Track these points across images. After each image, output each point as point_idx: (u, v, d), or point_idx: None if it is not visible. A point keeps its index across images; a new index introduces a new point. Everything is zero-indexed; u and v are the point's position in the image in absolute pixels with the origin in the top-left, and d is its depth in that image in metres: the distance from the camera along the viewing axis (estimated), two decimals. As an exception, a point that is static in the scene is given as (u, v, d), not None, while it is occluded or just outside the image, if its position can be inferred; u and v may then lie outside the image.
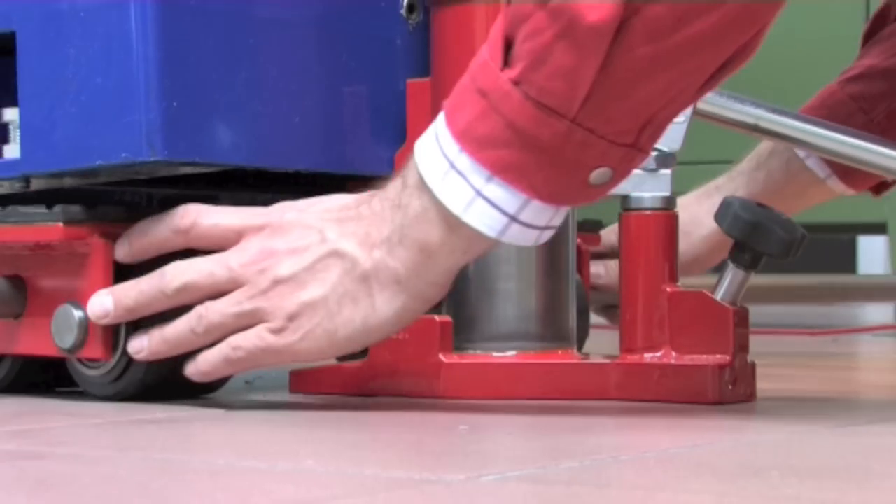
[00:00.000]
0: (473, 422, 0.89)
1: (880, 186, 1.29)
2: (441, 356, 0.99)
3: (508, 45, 0.81)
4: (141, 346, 0.92)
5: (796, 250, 0.99)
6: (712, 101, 1.02)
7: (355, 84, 1.03)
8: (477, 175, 0.82)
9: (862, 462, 0.72)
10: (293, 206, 0.91)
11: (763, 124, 1.05)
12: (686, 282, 1.03)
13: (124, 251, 0.93)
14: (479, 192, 0.82)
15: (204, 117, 0.94)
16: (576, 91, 0.79)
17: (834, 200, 1.93)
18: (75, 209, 0.95)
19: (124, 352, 0.94)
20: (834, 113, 1.21)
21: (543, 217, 0.84)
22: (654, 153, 1.00)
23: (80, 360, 0.97)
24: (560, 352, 1.03)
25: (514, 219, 0.82)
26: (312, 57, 1.00)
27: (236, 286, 0.89)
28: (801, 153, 1.23)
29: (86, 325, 0.94)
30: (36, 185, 1.01)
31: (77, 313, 0.94)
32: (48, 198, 1.02)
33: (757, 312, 1.06)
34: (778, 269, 1.26)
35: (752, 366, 1.00)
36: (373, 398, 0.99)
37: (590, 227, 1.11)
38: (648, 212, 1.00)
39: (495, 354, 1.01)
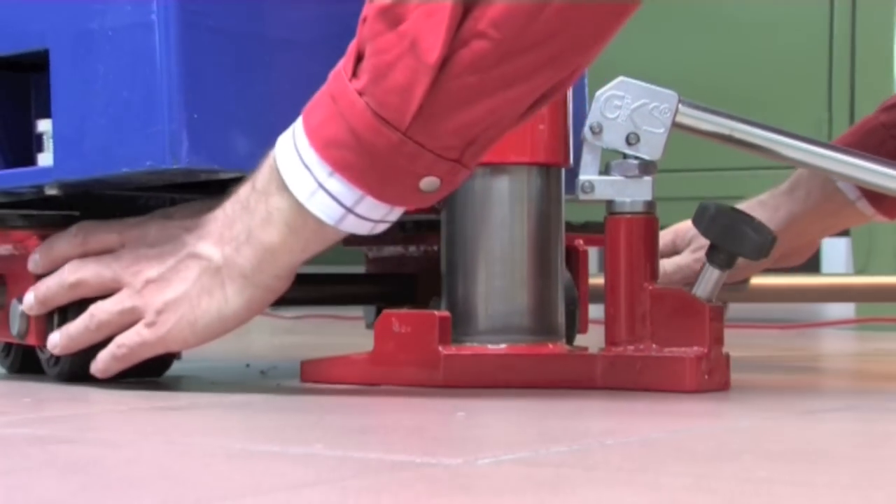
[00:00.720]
0: (470, 408, 0.88)
1: None
2: (440, 348, 0.98)
3: (359, 58, 0.84)
4: (54, 341, 0.96)
5: (767, 251, 0.99)
6: (690, 114, 1.02)
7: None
8: (321, 169, 0.85)
9: (829, 446, 0.72)
10: (163, 213, 0.97)
11: (737, 135, 1.04)
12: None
13: (34, 264, 0.98)
14: (321, 185, 0.86)
15: (222, 128, 0.94)
16: (408, 107, 0.82)
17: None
18: (13, 216, 1.00)
19: None
20: (867, 139, 1.20)
21: (377, 212, 0.87)
22: (636, 161, 1.00)
23: (38, 347, 1.02)
24: (549, 344, 1.02)
25: (350, 210, 0.86)
26: (317, 73, 0.99)
27: (119, 287, 0.94)
28: (848, 193, 1.22)
29: (27, 317, 0.99)
30: (68, 190, 1.01)
31: (20, 306, 0.99)
32: (77, 202, 1.02)
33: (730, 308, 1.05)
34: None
35: (727, 357, 0.99)
36: (377, 387, 0.98)
37: (595, 229, 1.10)
38: (631, 216, 1.00)
39: (490, 346, 1.00)
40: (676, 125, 1.01)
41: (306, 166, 0.86)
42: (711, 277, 0.99)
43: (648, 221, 1.00)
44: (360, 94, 0.83)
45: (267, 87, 0.97)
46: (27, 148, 1.02)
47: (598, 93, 1.01)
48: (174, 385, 1.03)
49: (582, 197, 1.00)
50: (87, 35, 0.94)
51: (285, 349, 1.56)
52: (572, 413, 0.86)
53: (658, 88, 1.01)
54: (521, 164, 1.02)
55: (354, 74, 0.84)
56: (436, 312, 0.99)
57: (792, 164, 1.10)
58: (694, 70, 2.12)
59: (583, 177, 1.00)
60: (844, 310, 2.41)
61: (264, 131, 0.96)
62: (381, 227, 0.89)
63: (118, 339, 0.94)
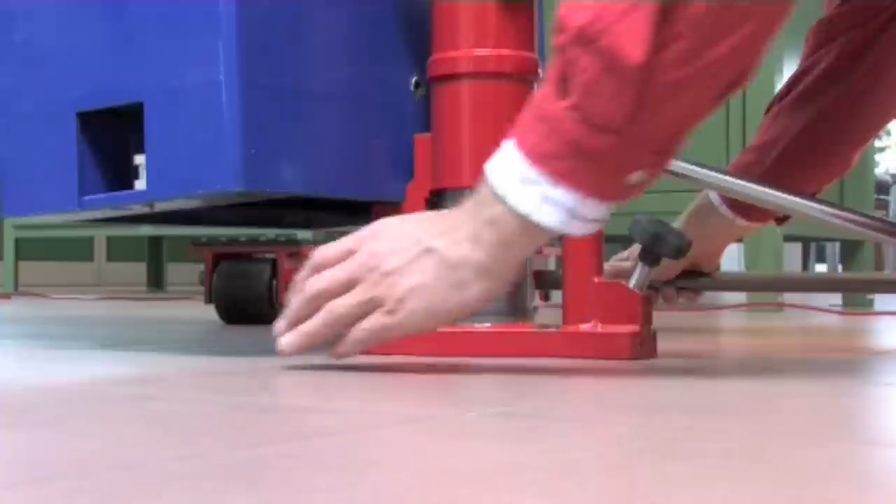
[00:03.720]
0: (461, 373, 0.87)
1: (781, 219, 1.24)
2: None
3: (563, 80, 0.75)
4: (289, 341, 0.84)
5: (684, 252, 0.99)
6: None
7: (379, 137, 1.03)
8: (544, 183, 0.76)
9: (741, 402, 0.70)
10: (389, 220, 0.85)
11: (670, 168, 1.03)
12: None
13: (296, 308, 0.86)
14: (546, 197, 0.76)
15: (272, 161, 0.93)
16: (621, 110, 0.73)
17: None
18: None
19: None
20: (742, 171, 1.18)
21: (595, 212, 0.77)
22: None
23: None
24: (521, 323, 1.01)
25: (573, 214, 0.76)
26: (349, 118, 1.00)
27: (354, 285, 0.82)
28: (714, 202, 1.21)
29: None
30: (158, 207, 1.00)
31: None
32: (170, 217, 1.02)
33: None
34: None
35: (655, 333, 0.98)
36: (389, 356, 0.97)
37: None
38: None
39: (476, 325, 0.99)
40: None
41: (531, 183, 0.76)
42: (642, 273, 0.99)
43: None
44: (573, 109, 0.74)
45: (308, 130, 0.96)
46: (126, 177, 1.01)
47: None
48: (236, 354, 1.01)
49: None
50: (172, 91, 0.93)
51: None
52: (539, 376, 0.85)
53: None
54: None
55: (564, 95, 0.75)
56: (435, 300, 0.98)
57: (700, 187, 1.10)
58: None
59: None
60: (735, 297, 2.41)
61: (305, 161, 0.96)
62: (595, 227, 0.78)
63: (361, 325, 0.82)
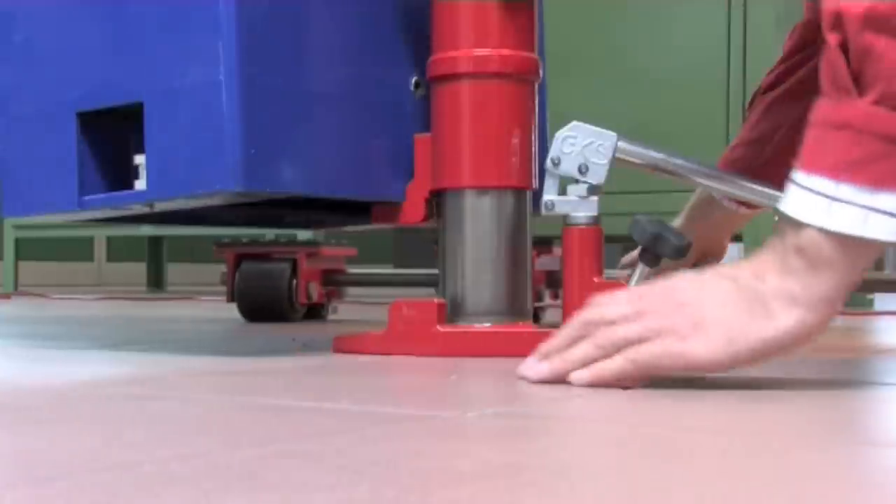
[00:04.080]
0: (461, 373, 0.87)
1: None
2: (438, 327, 0.97)
3: (852, 80, 0.68)
4: (580, 377, 0.74)
5: (684, 252, 0.98)
6: (626, 149, 1.00)
7: (379, 137, 1.03)
8: (863, 195, 0.67)
9: (741, 402, 0.69)
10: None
11: (661, 165, 1.03)
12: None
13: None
14: (870, 207, 0.67)
15: (272, 161, 0.93)
16: None
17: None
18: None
19: None
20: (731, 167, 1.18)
21: None
22: (585, 185, 0.98)
23: None
24: (520, 323, 1.01)
25: None
26: (349, 118, 1.00)
27: (638, 320, 0.73)
28: (716, 195, 1.21)
29: None
30: (158, 207, 1.01)
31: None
32: (169, 217, 1.02)
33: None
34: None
35: (655, 333, 0.98)
36: (391, 356, 0.97)
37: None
38: (582, 227, 0.99)
39: (476, 325, 1.00)
40: (616, 158, 1.00)
41: (845, 202, 0.68)
42: (642, 273, 0.99)
43: (596, 231, 1.00)
44: (879, 102, 0.67)
45: (308, 130, 0.96)
46: (126, 177, 1.01)
47: (557, 134, 1.00)
48: (237, 354, 1.01)
49: (545, 213, 1.00)
50: (172, 91, 0.93)
51: (321, 327, 1.54)
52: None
53: (602, 130, 1.00)
54: (500, 188, 1.01)
55: (861, 93, 0.68)
56: (435, 300, 0.98)
57: (698, 185, 1.10)
58: (627, 116, 2.12)
59: (546, 197, 0.99)
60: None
61: (305, 162, 0.96)
62: None
63: (642, 347, 0.72)
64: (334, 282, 1.69)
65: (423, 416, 0.62)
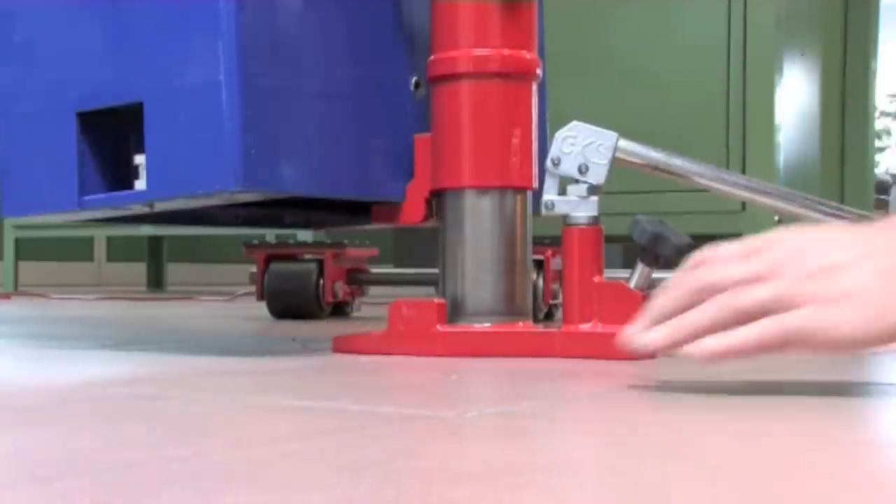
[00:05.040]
0: (461, 373, 0.87)
1: None
2: (438, 327, 0.97)
3: None
4: (651, 338, 0.68)
5: (685, 253, 0.98)
6: (626, 149, 1.00)
7: (379, 137, 1.03)
8: None
9: (741, 402, 0.70)
10: (797, 232, 0.67)
11: (661, 165, 1.03)
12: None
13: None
14: None
15: (273, 160, 0.93)
16: None
17: (704, 217, 1.91)
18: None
19: None
20: None
21: None
22: (585, 185, 0.98)
23: None
24: (520, 323, 1.01)
25: None
26: (349, 118, 1.00)
27: (764, 281, 0.64)
28: None
29: None
30: (158, 207, 1.00)
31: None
32: (169, 217, 1.02)
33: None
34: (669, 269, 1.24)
35: (655, 333, 0.98)
36: (392, 356, 0.97)
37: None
38: (582, 227, 0.99)
39: (476, 325, 0.99)
40: (616, 158, 1.00)
41: None
42: (642, 273, 0.99)
43: (595, 231, 0.99)
44: None
45: (308, 130, 0.96)
46: (126, 177, 1.01)
47: (557, 133, 1.00)
48: (238, 354, 1.01)
49: (545, 213, 1.00)
50: (172, 91, 0.93)
51: (321, 328, 1.54)
52: (538, 376, 0.85)
53: (602, 130, 1.00)
54: (500, 188, 1.01)
55: None
56: (434, 300, 0.98)
57: (700, 186, 1.09)
58: (628, 116, 2.12)
59: (546, 197, 0.99)
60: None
61: (305, 162, 0.96)
62: None
63: (776, 320, 0.63)
64: (358, 281, 1.76)
65: (423, 416, 0.62)
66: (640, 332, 0.68)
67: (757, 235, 0.67)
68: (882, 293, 0.62)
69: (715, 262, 0.66)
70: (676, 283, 0.67)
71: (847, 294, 0.62)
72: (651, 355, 0.67)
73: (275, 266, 1.73)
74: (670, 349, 0.66)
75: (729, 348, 0.64)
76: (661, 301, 0.67)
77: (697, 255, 0.68)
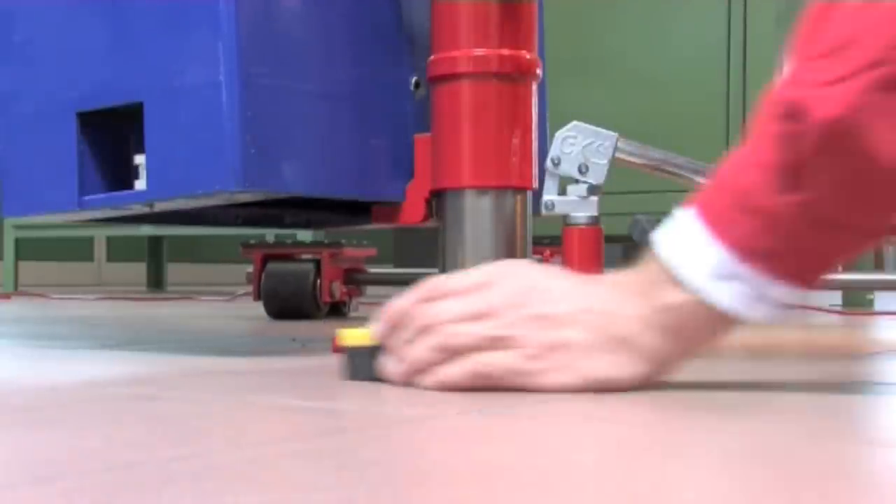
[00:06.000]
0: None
1: None
2: (438, 326, 0.97)
3: (791, 174, 0.65)
4: (387, 369, 0.74)
5: None
6: (626, 149, 1.00)
7: (379, 137, 1.03)
8: (758, 280, 0.66)
9: (740, 402, 0.70)
10: (523, 264, 0.74)
11: (660, 165, 1.03)
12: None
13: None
14: (760, 295, 0.67)
15: (273, 160, 0.93)
16: (865, 211, 0.65)
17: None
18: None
19: None
20: None
21: (798, 296, 0.68)
22: (585, 185, 0.98)
23: None
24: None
25: (778, 304, 0.67)
26: (349, 118, 1.00)
27: (485, 318, 0.70)
28: None
29: None
30: (158, 207, 1.00)
31: None
32: (169, 217, 1.02)
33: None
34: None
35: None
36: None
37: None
38: (582, 227, 0.99)
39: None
40: (616, 158, 1.00)
41: (734, 277, 0.66)
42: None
43: (595, 231, 0.99)
44: (804, 206, 0.64)
45: (308, 130, 0.96)
46: (126, 177, 1.01)
47: (557, 134, 1.00)
48: (238, 354, 1.01)
49: (545, 213, 1.00)
50: (172, 91, 0.93)
51: (320, 328, 1.54)
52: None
53: (602, 130, 1.00)
54: (500, 188, 1.01)
55: (793, 189, 0.64)
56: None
57: (698, 185, 1.09)
58: (628, 116, 2.12)
59: (546, 197, 0.99)
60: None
61: (305, 162, 0.96)
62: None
63: (484, 359, 0.70)
64: (355, 280, 1.75)
65: (423, 416, 0.62)
66: (383, 364, 0.74)
67: (490, 264, 0.74)
68: (591, 351, 0.69)
69: (439, 297, 0.72)
70: (401, 313, 0.73)
71: (556, 347, 0.69)
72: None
73: (272, 266, 1.73)
74: (399, 380, 0.73)
75: (439, 385, 0.71)
76: (386, 331, 0.74)
77: (424, 288, 0.73)
